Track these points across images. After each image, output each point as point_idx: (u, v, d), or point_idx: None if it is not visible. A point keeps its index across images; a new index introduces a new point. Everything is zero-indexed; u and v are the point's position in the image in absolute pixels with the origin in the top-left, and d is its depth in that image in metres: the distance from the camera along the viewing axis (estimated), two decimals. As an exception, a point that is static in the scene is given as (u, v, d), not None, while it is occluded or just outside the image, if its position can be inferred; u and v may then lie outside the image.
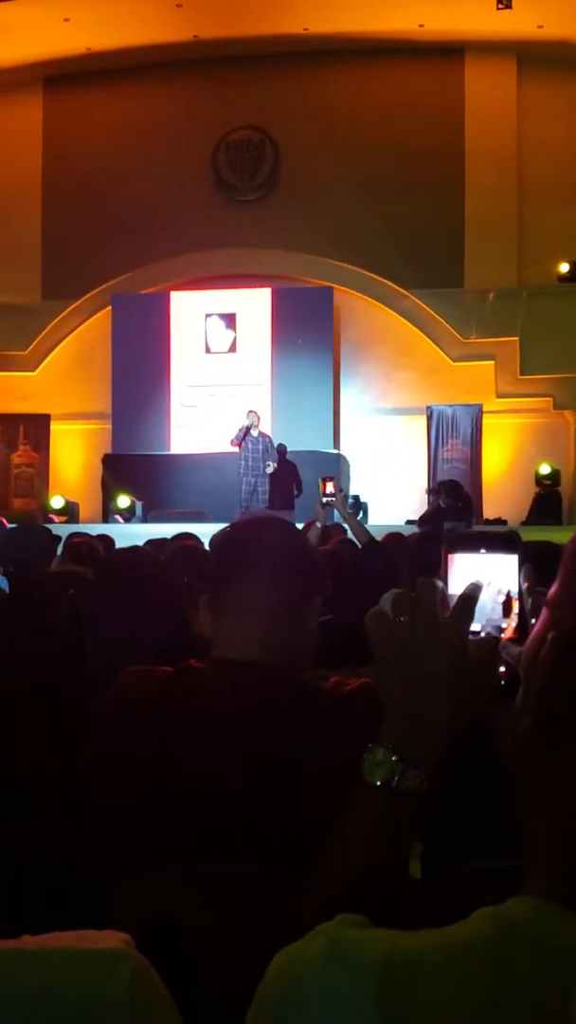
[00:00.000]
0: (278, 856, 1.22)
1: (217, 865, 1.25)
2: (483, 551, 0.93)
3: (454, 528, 7.58)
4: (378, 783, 0.92)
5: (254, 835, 1.24)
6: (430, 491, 11.90)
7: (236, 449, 11.42)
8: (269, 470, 11.37)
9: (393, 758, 0.91)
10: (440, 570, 0.96)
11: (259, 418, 11.56)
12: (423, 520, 9.52)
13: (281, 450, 11.61)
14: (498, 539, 0.94)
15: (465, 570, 0.94)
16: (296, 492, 11.42)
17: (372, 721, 1.24)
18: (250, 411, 11.62)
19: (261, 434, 11.51)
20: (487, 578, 0.92)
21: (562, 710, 0.68)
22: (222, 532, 1.54)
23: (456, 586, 0.93)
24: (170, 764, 1.30)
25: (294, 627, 1.40)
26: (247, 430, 11.35)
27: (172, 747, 1.30)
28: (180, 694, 1.34)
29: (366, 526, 7.16)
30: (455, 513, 9.67)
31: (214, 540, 1.51)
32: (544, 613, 0.72)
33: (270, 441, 11.56)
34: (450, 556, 0.94)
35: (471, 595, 0.90)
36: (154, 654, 1.64)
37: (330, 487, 5.35)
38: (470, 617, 0.90)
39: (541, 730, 0.69)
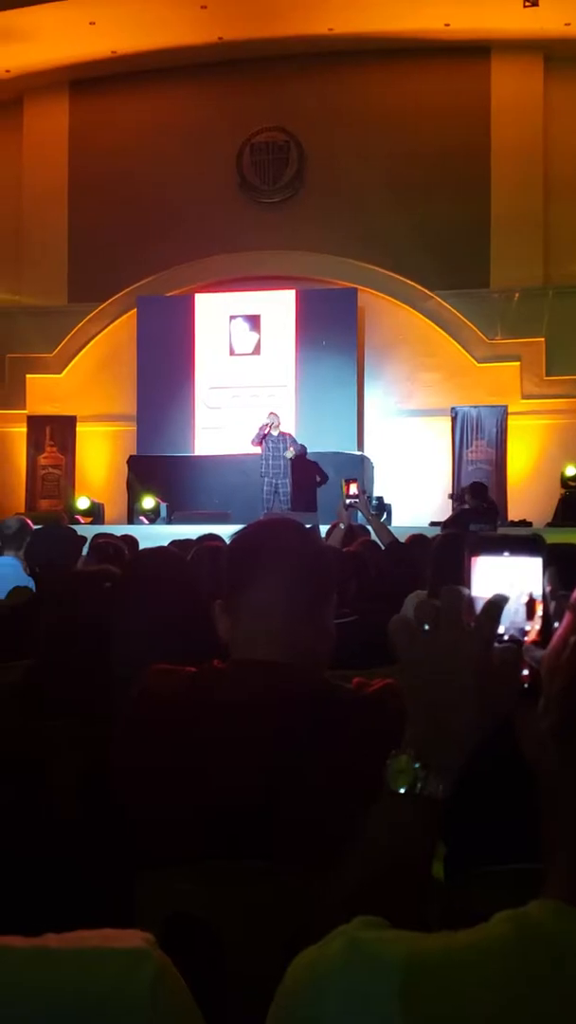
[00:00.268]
0: (298, 855, 1.22)
1: (239, 863, 1.25)
2: (506, 554, 0.93)
3: (479, 529, 7.57)
4: (401, 790, 0.92)
5: (276, 834, 1.24)
6: (453, 496, 11.89)
7: (259, 450, 11.46)
8: (289, 454, 11.36)
9: (416, 765, 0.91)
10: (463, 573, 0.96)
11: (279, 419, 11.57)
12: (448, 522, 9.50)
13: (301, 452, 11.63)
14: (522, 542, 0.93)
15: (488, 573, 0.93)
16: (319, 480, 11.45)
17: (395, 721, 1.24)
18: (271, 412, 11.64)
19: (282, 434, 11.51)
20: (511, 581, 0.91)
21: None
22: (236, 535, 1.55)
23: (479, 589, 0.93)
24: (192, 762, 1.30)
25: (311, 627, 1.41)
26: (266, 430, 11.40)
27: (194, 745, 1.31)
28: (203, 693, 1.34)
29: (390, 528, 7.15)
30: (480, 514, 9.64)
31: (229, 543, 1.52)
32: (567, 617, 0.72)
33: (292, 439, 11.58)
34: (473, 559, 0.94)
35: (498, 603, 0.89)
36: (180, 653, 1.65)
37: (353, 488, 5.35)
38: (496, 625, 0.89)
39: (559, 734, 0.68)
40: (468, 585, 0.94)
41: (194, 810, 1.28)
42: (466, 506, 10.18)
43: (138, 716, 1.39)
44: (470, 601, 0.91)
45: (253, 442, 11.52)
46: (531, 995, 0.62)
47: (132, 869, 1.33)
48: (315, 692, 1.32)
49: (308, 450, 11.74)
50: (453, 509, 10.48)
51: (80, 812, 1.63)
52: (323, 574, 1.46)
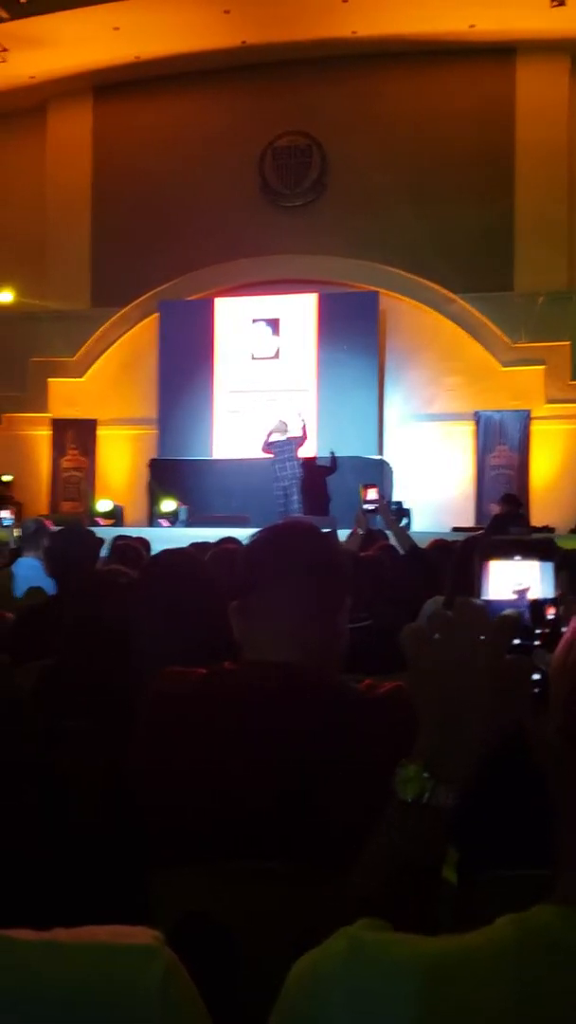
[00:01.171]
0: (309, 856, 1.22)
1: (250, 863, 1.25)
2: (518, 558, 0.93)
3: (518, 533, 7.60)
4: (409, 799, 0.92)
5: (286, 834, 1.25)
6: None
7: (270, 455, 11.56)
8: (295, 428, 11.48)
9: (424, 775, 0.91)
10: (476, 576, 0.96)
11: (287, 424, 11.62)
12: (490, 528, 9.52)
13: (309, 460, 11.73)
14: (533, 546, 0.94)
15: (501, 577, 0.93)
16: (331, 468, 11.59)
17: (403, 724, 1.24)
18: (280, 420, 11.74)
19: (290, 439, 11.54)
20: (522, 584, 0.92)
21: None
22: (252, 538, 1.55)
23: (492, 592, 0.93)
24: (204, 763, 1.31)
25: (323, 630, 1.41)
26: (269, 435, 11.50)
27: (206, 746, 1.32)
28: (215, 695, 1.35)
29: (410, 533, 7.11)
30: (515, 519, 9.66)
31: (244, 546, 1.53)
32: (574, 621, 0.72)
33: (297, 441, 11.64)
34: (486, 563, 0.94)
35: (512, 618, 0.89)
36: (197, 654, 1.66)
37: (372, 494, 5.33)
38: (510, 638, 0.89)
39: (565, 737, 0.68)
40: (480, 588, 0.94)
41: (207, 810, 1.29)
42: (501, 511, 10.22)
43: (151, 718, 1.40)
44: (484, 613, 0.91)
45: (262, 449, 11.60)
46: (532, 998, 0.62)
47: (146, 868, 1.34)
48: (325, 694, 1.32)
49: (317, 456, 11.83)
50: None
51: (97, 811, 1.64)
52: (336, 578, 1.46)
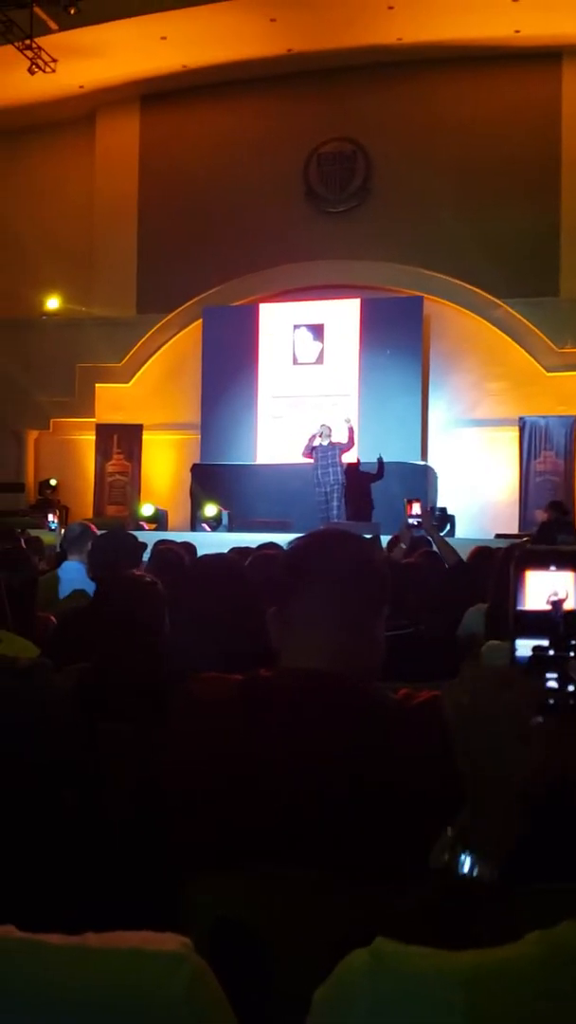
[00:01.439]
0: (344, 865, 1.22)
1: (283, 871, 1.25)
2: (553, 568, 0.92)
3: (564, 541, 7.53)
4: (442, 867, 0.92)
5: (321, 843, 1.24)
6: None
7: (311, 461, 11.54)
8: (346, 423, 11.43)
9: (458, 846, 0.91)
10: (512, 586, 0.95)
11: (330, 429, 11.56)
12: (537, 536, 9.43)
13: (355, 464, 11.65)
14: (569, 557, 0.93)
15: (537, 587, 0.93)
16: (377, 474, 11.49)
17: (440, 734, 1.23)
18: (322, 424, 11.68)
19: (332, 443, 11.48)
20: (558, 595, 0.91)
21: None
22: (291, 545, 1.55)
23: (528, 602, 0.92)
24: (238, 770, 1.31)
25: (360, 638, 1.41)
26: (313, 441, 11.44)
27: (241, 754, 1.32)
28: (249, 701, 1.35)
29: (453, 540, 7.03)
30: (563, 526, 9.56)
31: (283, 552, 1.53)
32: None
33: (340, 446, 11.56)
34: (522, 573, 0.93)
35: (528, 684, 0.89)
36: (237, 658, 1.67)
37: (416, 508, 5.30)
38: (532, 703, 0.88)
39: None
40: (516, 599, 0.93)
41: (240, 817, 1.29)
42: (548, 518, 10.10)
43: (185, 723, 1.41)
44: (499, 678, 0.90)
45: (303, 453, 11.57)
46: (558, 1014, 0.61)
47: (181, 873, 1.34)
48: (361, 702, 1.32)
49: (363, 460, 11.76)
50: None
51: (134, 814, 1.65)
52: (374, 586, 1.46)
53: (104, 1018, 0.70)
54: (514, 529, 12.15)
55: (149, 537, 6.06)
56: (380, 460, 11.86)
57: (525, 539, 9.40)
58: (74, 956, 0.72)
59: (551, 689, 0.90)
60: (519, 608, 0.92)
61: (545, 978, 0.63)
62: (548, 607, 0.90)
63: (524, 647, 0.94)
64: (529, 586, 0.93)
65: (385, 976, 0.66)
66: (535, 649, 0.91)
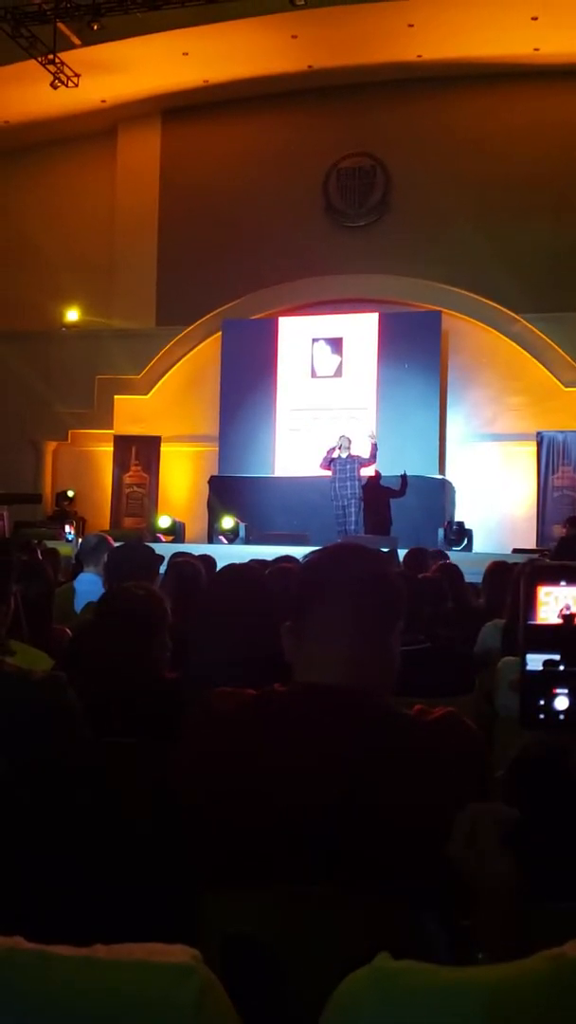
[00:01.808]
0: (358, 881, 1.22)
1: (297, 887, 1.25)
2: (563, 583, 0.92)
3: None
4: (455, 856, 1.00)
5: (335, 858, 1.24)
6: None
7: (329, 473, 11.41)
8: (370, 438, 11.44)
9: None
10: (524, 600, 0.95)
11: (350, 441, 11.47)
12: (556, 552, 9.36)
13: (375, 478, 11.52)
14: None
15: (548, 601, 0.93)
16: (396, 492, 11.33)
17: (454, 749, 1.22)
18: (341, 435, 11.57)
19: (351, 456, 11.38)
20: (569, 609, 0.91)
21: None
22: (306, 559, 1.55)
23: (540, 616, 0.92)
24: (251, 785, 1.31)
25: (374, 653, 1.40)
26: (333, 453, 11.34)
27: (256, 769, 1.32)
28: (263, 716, 1.35)
29: (470, 554, 6.93)
30: None
31: (298, 566, 1.53)
32: None
33: (360, 461, 11.41)
34: (533, 588, 0.93)
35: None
36: (255, 671, 1.67)
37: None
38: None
39: None
40: (528, 613, 0.93)
41: (253, 833, 1.29)
42: (567, 534, 10.05)
43: (199, 737, 1.41)
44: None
45: (321, 465, 11.48)
46: None
47: (196, 888, 1.34)
48: (375, 718, 1.32)
49: (382, 474, 11.65)
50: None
51: (150, 829, 1.65)
52: (389, 600, 1.45)
53: None
54: (532, 544, 12.10)
55: (166, 549, 6.07)
56: (404, 477, 11.46)
57: (544, 554, 9.36)
58: (82, 967, 0.72)
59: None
60: (531, 622, 0.92)
61: (554, 995, 0.62)
62: (560, 621, 0.90)
63: (535, 661, 0.94)
64: (541, 600, 0.93)
65: (387, 994, 0.65)
66: (546, 663, 0.91)
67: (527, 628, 0.92)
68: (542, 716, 0.95)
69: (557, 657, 0.90)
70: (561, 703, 0.94)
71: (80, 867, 1.64)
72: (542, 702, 0.94)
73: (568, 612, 0.91)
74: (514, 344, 13.38)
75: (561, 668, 0.89)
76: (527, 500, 13.12)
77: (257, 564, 4.36)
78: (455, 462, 13.57)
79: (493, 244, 13.05)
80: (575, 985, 0.62)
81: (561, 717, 0.91)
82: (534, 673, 0.94)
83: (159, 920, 1.45)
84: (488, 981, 0.65)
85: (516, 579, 4.39)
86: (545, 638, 0.92)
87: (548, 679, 0.92)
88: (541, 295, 13.04)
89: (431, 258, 13.37)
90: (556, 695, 0.92)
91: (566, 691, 0.91)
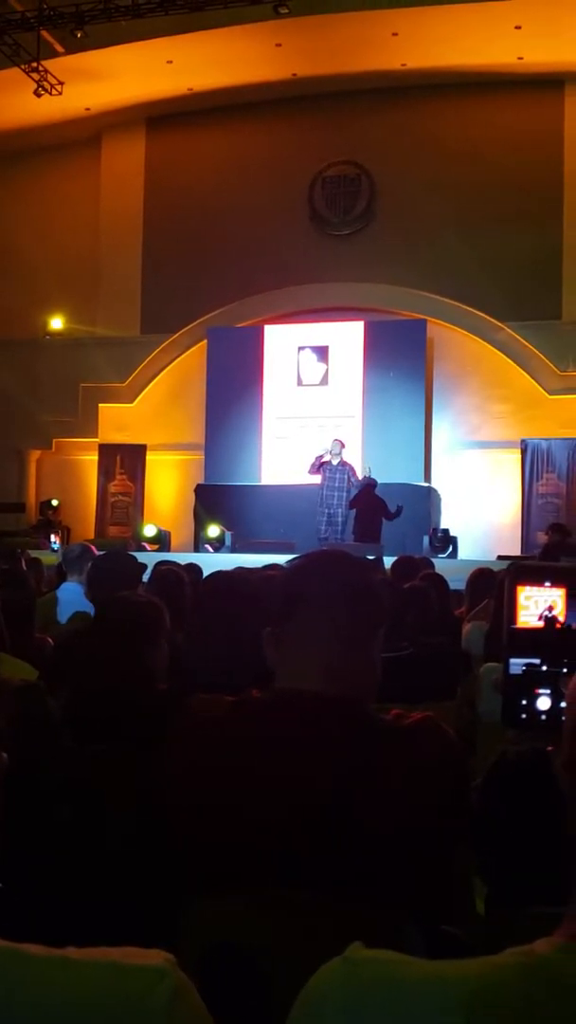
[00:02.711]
0: (338, 886, 1.21)
1: (278, 893, 1.24)
2: (547, 584, 0.92)
3: (569, 562, 7.50)
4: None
5: (314, 864, 1.23)
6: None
7: (318, 479, 11.31)
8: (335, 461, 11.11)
9: None
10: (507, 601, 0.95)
11: (342, 446, 11.38)
12: (540, 557, 9.39)
13: (370, 484, 11.49)
14: (563, 573, 0.93)
15: (531, 602, 0.93)
16: (390, 514, 11.21)
17: (430, 754, 1.22)
18: (335, 439, 11.49)
19: (343, 463, 11.30)
20: (552, 611, 0.91)
21: None
22: (289, 565, 1.55)
23: (523, 617, 0.92)
24: (230, 792, 1.30)
25: (355, 659, 1.40)
26: (323, 459, 11.23)
27: (232, 775, 1.31)
28: (241, 723, 1.34)
29: (455, 561, 6.93)
30: (567, 548, 9.54)
31: (280, 573, 1.53)
32: None
33: (351, 470, 11.34)
34: (517, 588, 0.93)
35: None
36: (243, 677, 1.66)
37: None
38: None
39: (569, 770, 0.67)
40: (511, 614, 0.93)
41: (233, 839, 1.28)
42: (549, 540, 10.09)
43: (182, 747, 1.40)
44: None
45: (309, 471, 11.38)
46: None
47: (178, 895, 1.33)
48: (351, 722, 1.31)
49: (377, 481, 11.64)
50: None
51: (133, 837, 1.64)
52: (371, 607, 1.45)
53: None
54: (516, 551, 12.14)
55: (151, 558, 6.06)
56: (400, 509, 11.25)
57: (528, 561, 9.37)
58: (54, 967, 0.71)
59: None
60: (513, 626, 0.92)
61: (523, 992, 0.63)
62: (541, 624, 0.90)
63: (518, 665, 0.94)
64: (522, 604, 0.93)
65: (358, 983, 0.65)
66: (527, 667, 0.91)
67: (510, 632, 0.93)
68: (524, 716, 0.95)
69: (538, 662, 0.90)
70: (543, 703, 0.94)
71: (57, 873, 1.63)
72: (524, 702, 0.94)
73: (550, 614, 0.91)
74: (499, 352, 13.45)
75: (544, 669, 0.89)
76: (512, 507, 13.17)
77: (243, 572, 4.35)
78: (440, 470, 13.61)
79: (477, 252, 13.12)
80: (543, 979, 0.63)
81: (543, 717, 0.91)
82: (517, 674, 0.94)
83: (140, 926, 1.44)
84: (457, 974, 0.65)
85: (500, 583, 4.40)
86: (528, 641, 0.92)
87: (531, 680, 0.92)
88: (525, 303, 13.11)
89: (416, 266, 13.42)
90: (538, 695, 0.92)
91: (548, 692, 0.91)
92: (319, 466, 11.27)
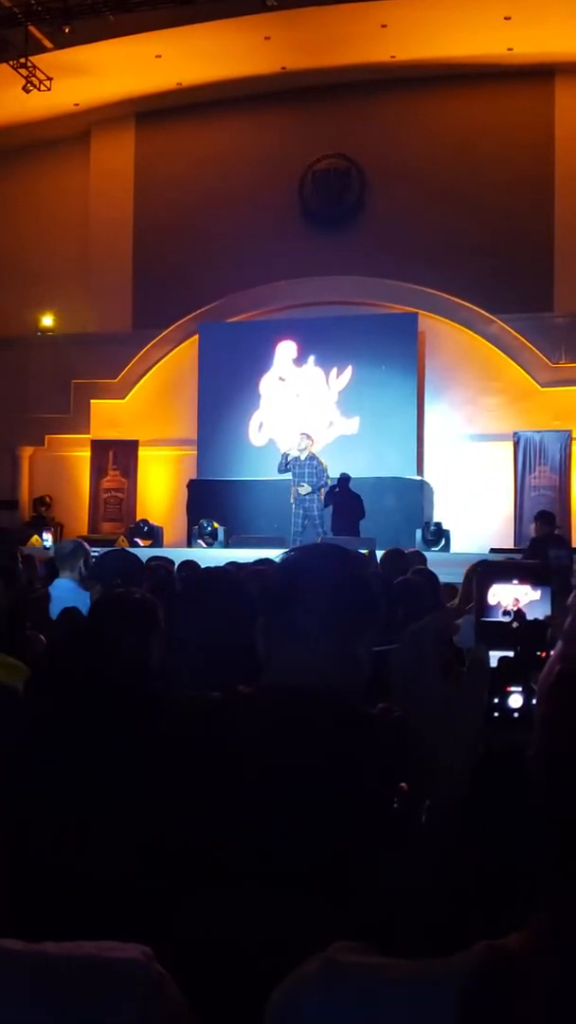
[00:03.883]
0: (323, 882, 1.22)
1: (266, 887, 1.25)
2: (515, 582, 0.93)
3: (558, 557, 7.48)
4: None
5: (297, 859, 1.24)
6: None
7: (288, 476, 10.77)
8: (303, 490, 10.53)
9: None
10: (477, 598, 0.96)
11: (309, 439, 10.78)
12: (528, 551, 9.36)
13: (344, 479, 11.32)
14: (531, 570, 0.94)
15: (500, 598, 0.94)
16: (357, 511, 11.12)
17: (415, 747, 1.23)
18: (301, 432, 10.92)
19: (312, 456, 10.68)
20: (517, 605, 0.92)
21: (556, 743, 0.67)
22: (281, 559, 1.56)
23: (492, 614, 0.93)
24: (217, 785, 1.31)
25: (343, 655, 1.40)
26: (287, 457, 10.68)
27: (220, 771, 1.32)
28: (228, 719, 1.35)
29: (448, 555, 6.87)
30: (556, 540, 9.51)
31: (272, 568, 1.54)
32: (559, 645, 0.72)
33: (318, 464, 10.72)
34: (485, 586, 0.95)
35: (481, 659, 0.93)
36: (231, 673, 1.67)
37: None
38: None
39: (540, 761, 0.68)
40: (482, 609, 0.94)
41: (219, 835, 1.29)
42: (535, 533, 10.06)
43: (167, 741, 1.41)
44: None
45: (279, 470, 10.81)
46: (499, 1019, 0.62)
47: (166, 892, 1.34)
48: (337, 716, 1.32)
49: (351, 476, 11.40)
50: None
51: (124, 831, 1.65)
52: (361, 602, 1.45)
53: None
54: (509, 543, 12.16)
55: (144, 553, 6.06)
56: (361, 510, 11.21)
57: (520, 554, 9.38)
58: (32, 962, 0.72)
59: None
60: (482, 619, 0.93)
61: (484, 988, 0.63)
62: (506, 618, 0.92)
63: (493, 658, 0.95)
64: (492, 598, 0.94)
65: (338, 982, 0.66)
66: (500, 660, 0.92)
67: (480, 625, 0.94)
68: (496, 714, 0.96)
69: (511, 654, 0.91)
70: (515, 701, 0.95)
71: (54, 870, 1.64)
72: (496, 700, 0.95)
73: (516, 607, 0.92)
74: (490, 345, 13.45)
75: (514, 664, 0.90)
76: (505, 500, 13.18)
77: (233, 567, 4.36)
78: (433, 463, 13.62)
79: (468, 245, 13.12)
80: (518, 977, 0.63)
81: (515, 715, 0.92)
82: (492, 667, 0.95)
83: (128, 921, 1.45)
84: (438, 973, 0.65)
85: (467, 580, 4.42)
86: (497, 635, 0.93)
87: (503, 676, 0.93)
88: (516, 295, 13.12)
89: (407, 259, 13.41)
90: (510, 693, 0.93)
91: (520, 689, 0.92)
92: (286, 465, 10.72)
